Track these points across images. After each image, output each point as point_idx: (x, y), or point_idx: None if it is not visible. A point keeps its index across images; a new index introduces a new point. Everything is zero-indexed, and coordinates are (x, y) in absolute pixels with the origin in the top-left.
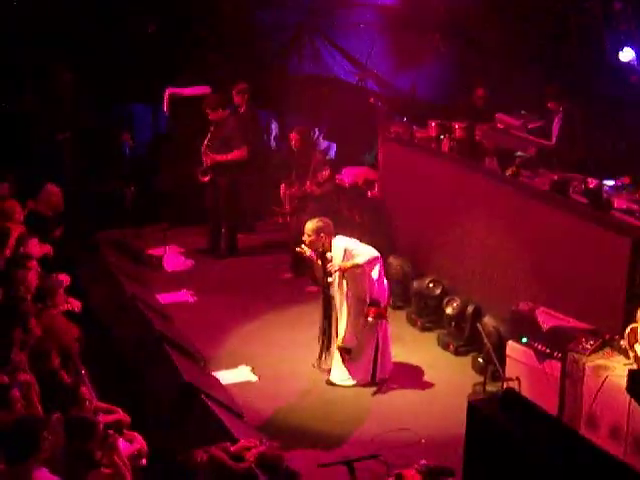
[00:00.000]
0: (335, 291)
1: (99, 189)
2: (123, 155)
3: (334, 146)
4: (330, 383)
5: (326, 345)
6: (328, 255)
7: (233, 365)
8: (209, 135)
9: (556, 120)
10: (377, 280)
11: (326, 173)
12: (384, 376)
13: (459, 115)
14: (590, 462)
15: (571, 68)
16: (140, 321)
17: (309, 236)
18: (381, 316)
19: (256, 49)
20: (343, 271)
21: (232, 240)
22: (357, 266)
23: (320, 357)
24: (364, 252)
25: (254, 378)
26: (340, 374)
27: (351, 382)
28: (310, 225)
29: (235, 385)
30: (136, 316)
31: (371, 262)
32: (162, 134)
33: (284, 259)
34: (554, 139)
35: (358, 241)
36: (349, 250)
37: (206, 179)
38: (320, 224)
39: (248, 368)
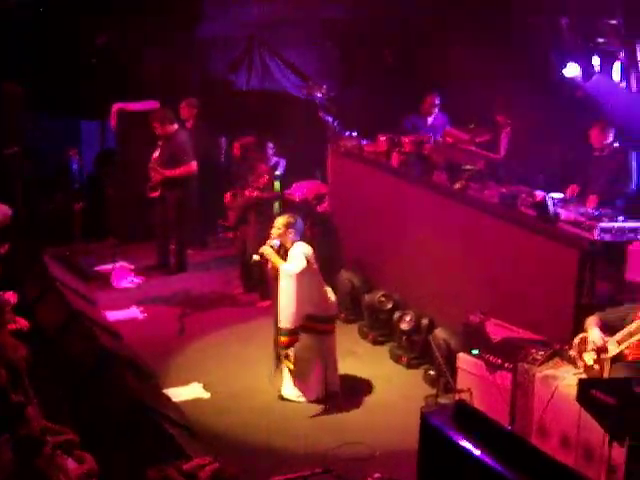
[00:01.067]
0: None
1: (47, 205)
2: (71, 171)
3: (283, 162)
4: (282, 398)
5: (277, 356)
6: (274, 243)
7: (185, 382)
8: (158, 150)
9: (504, 133)
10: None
11: (263, 180)
12: (335, 389)
13: (406, 130)
14: (542, 472)
15: (518, 82)
16: (88, 339)
17: (278, 229)
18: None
19: (205, 63)
20: (264, 259)
21: (182, 256)
22: (275, 268)
23: (275, 369)
24: (292, 262)
25: (206, 395)
26: (291, 391)
27: (303, 399)
28: (281, 219)
29: (187, 402)
30: (84, 334)
31: (289, 273)
32: (110, 150)
33: (235, 274)
34: (502, 152)
35: (311, 254)
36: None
37: (155, 195)
38: (291, 220)
39: (200, 385)
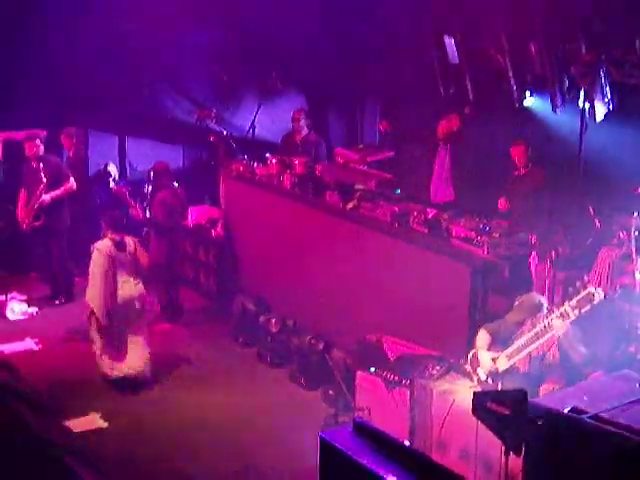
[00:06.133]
0: None
1: None
2: None
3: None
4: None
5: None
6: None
7: (83, 412)
8: (40, 176)
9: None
10: None
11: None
12: None
13: (283, 150)
14: None
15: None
16: None
17: None
18: None
19: (96, 90)
20: None
21: (68, 285)
22: None
23: None
24: None
25: (105, 424)
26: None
27: None
28: None
29: (87, 432)
30: None
31: None
32: None
33: None
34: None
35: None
36: None
37: (39, 223)
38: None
39: (98, 414)
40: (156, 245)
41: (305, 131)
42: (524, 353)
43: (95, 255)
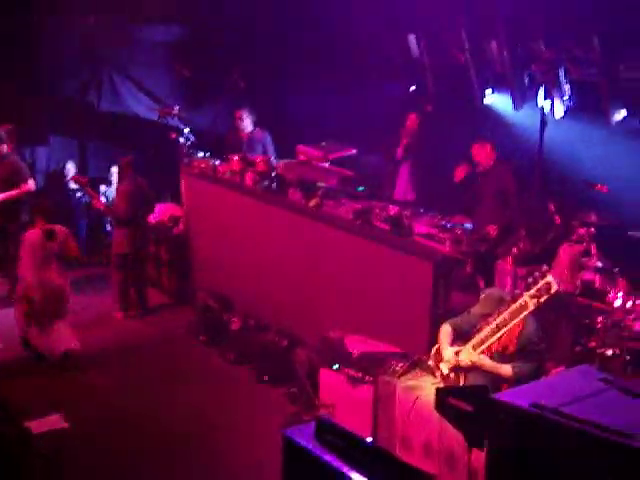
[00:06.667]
0: None
1: None
2: None
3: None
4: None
5: None
6: None
7: (43, 413)
8: None
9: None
10: None
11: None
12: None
13: (228, 147)
14: None
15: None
16: None
17: None
18: None
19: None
20: None
21: None
22: None
23: None
24: None
25: (65, 424)
26: None
27: None
28: None
29: (48, 433)
30: None
31: None
32: None
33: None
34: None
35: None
36: None
37: None
38: None
39: (59, 415)
40: (117, 236)
41: (249, 128)
42: (486, 345)
43: (25, 243)
